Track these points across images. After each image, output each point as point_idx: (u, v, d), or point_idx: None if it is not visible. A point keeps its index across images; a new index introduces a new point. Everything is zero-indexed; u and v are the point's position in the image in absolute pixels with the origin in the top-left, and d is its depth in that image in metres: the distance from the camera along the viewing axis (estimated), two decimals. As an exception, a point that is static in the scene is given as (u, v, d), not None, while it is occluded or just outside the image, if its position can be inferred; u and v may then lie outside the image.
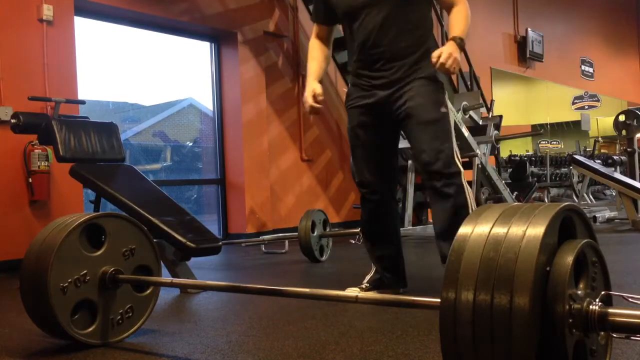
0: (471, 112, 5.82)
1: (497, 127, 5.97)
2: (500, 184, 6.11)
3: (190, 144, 6.75)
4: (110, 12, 5.24)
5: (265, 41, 6.36)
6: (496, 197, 6.02)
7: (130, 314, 2.11)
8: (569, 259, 1.11)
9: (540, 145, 14.56)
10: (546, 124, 15.33)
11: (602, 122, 14.77)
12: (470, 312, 1.08)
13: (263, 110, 6.28)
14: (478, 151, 5.54)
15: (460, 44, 2.49)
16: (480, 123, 5.98)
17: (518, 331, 1.03)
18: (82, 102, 4.67)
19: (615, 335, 1.22)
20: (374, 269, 2.77)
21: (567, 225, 1.20)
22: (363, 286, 2.68)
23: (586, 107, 13.59)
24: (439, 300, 1.13)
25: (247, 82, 6.16)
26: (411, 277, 2.79)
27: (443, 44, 7.41)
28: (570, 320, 1.10)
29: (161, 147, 6.51)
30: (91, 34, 5.37)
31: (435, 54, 2.42)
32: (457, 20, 2.56)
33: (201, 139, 6.65)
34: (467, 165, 5.50)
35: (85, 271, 1.98)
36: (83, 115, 4.46)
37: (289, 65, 6.63)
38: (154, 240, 2.24)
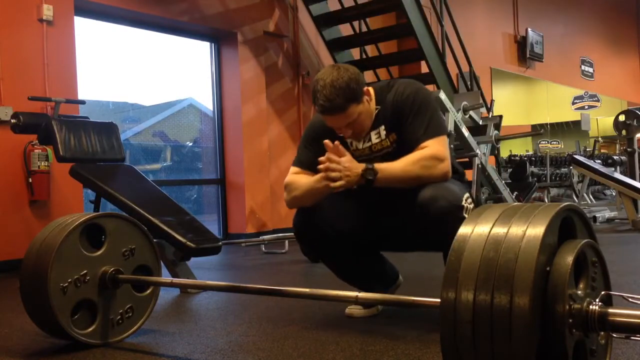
0: (471, 112, 5.82)
1: (497, 127, 5.97)
2: (500, 184, 6.11)
3: (190, 144, 6.75)
4: (110, 12, 5.24)
5: (265, 41, 6.36)
6: (496, 197, 6.01)
7: (130, 314, 2.11)
8: (569, 259, 1.11)
9: (540, 145, 14.56)
10: (546, 124, 15.34)
11: (602, 122, 14.78)
12: (470, 312, 1.08)
13: (263, 110, 6.28)
14: (478, 151, 5.54)
15: (368, 174, 1.97)
16: (480, 123, 5.97)
17: (518, 331, 1.03)
18: (82, 102, 4.67)
19: (615, 335, 1.22)
20: None
21: (567, 225, 1.20)
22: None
23: (586, 107, 13.59)
24: (439, 300, 1.13)
25: (247, 82, 6.16)
26: (411, 277, 2.79)
27: (443, 45, 7.31)
28: (570, 320, 1.10)
29: (161, 147, 6.51)
30: (91, 34, 5.37)
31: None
32: (403, 159, 2.01)
33: (201, 139, 6.65)
34: (467, 165, 5.50)
35: (85, 271, 1.98)
36: (83, 115, 4.46)
37: (289, 65, 6.63)
38: (154, 240, 2.24)
